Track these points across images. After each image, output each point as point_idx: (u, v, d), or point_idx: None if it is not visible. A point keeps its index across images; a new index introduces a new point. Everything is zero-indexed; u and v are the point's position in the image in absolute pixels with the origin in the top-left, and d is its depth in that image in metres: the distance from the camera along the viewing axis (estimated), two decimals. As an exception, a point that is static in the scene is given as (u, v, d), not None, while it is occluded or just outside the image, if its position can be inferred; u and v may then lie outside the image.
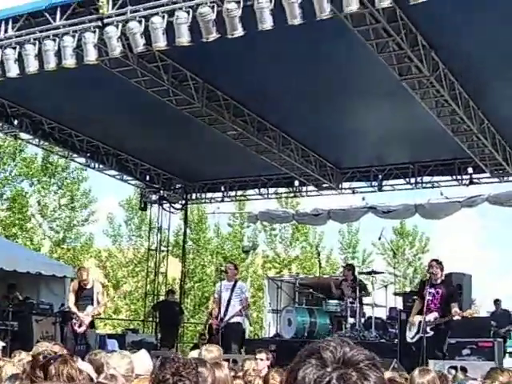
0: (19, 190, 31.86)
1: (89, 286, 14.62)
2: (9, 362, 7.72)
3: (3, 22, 11.96)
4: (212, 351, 7.42)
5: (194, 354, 7.93)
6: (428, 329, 12.66)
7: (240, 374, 7.66)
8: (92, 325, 14.76)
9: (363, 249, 40.61)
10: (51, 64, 11.51)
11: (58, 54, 11.46)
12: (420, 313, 13.04)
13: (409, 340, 13.20)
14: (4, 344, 10.50)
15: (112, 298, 26.61)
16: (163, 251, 24.28)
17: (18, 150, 31.39)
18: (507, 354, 18.43)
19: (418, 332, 12.89)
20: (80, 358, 9.42)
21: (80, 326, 14.43)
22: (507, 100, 14.89)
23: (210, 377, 4.86)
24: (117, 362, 5.90)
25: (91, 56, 11.25)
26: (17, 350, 10.10)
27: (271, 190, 22.63)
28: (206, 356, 7.39)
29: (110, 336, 20.69)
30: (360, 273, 17.84)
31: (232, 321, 14.95)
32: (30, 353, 8.23)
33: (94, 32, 11.14)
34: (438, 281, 13.07)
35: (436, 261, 13.52)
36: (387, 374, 7.27)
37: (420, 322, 12.89)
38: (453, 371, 11.17)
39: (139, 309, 32.28)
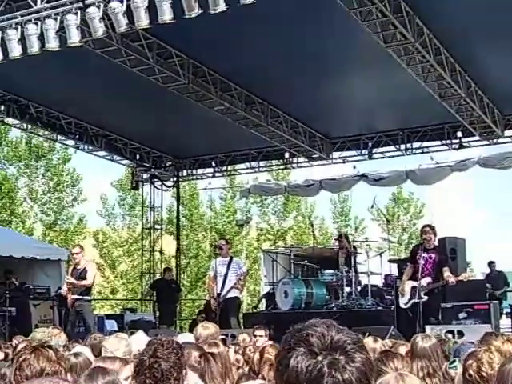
0: (4, 175, 31.73)
1: (80, 266, 14.48)
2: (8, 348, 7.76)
3: (-17, 8, 11.87)
4: (208, 328, 7.45)
5: (186, 335, 7.95)
6: (422, 294, 12.70)
7: (237, 348, 7.70)
8: (80, 299, 14.42)
9: (355, 216, 40.72)
10: (34, 48, 11.43)
11: (41, 38, 11.38)
12: (411, 278, 13.08)
13: (402, 306, 13.23)
14: None
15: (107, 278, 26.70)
16: (157, 229, 24.29)
17: (2, 134, 31.20)
18: (503, 316, 18.56)
19: (411, 298, 12.93)
20: (80, 340, 9.53)
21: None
22: (494, 63, 14.89)
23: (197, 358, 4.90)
24: (114, 344, 5.92)
25: (74, 38, 11.16)
26: (17, 336, 10.20)
27: (262, 163, 22.67)
28: (202, 333, 7.42)
29: (109, 316, 20.74)
30: (354, 241, 17.86)
31: (229, 296, 14.98)
32: (28, 338, 8.28)
33: (76, 13, 11.04)
34: (431, 246, 13.10)
35: (429, 226, 13.52)
36: (381, 344, 7.32)
37: (412, 287, 12.92)
38: (450, 336, 11.23)
39: (136, 288, 32.34)
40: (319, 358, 1.99)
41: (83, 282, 14.41)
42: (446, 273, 12.74)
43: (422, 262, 12.83)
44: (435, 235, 13.26)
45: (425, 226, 13.59)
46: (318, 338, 2.02)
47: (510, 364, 2.64)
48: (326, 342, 2.02)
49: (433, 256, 12.93)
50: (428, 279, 12.84)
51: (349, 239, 17.77)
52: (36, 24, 11.39)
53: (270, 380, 4.54)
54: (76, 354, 6.03)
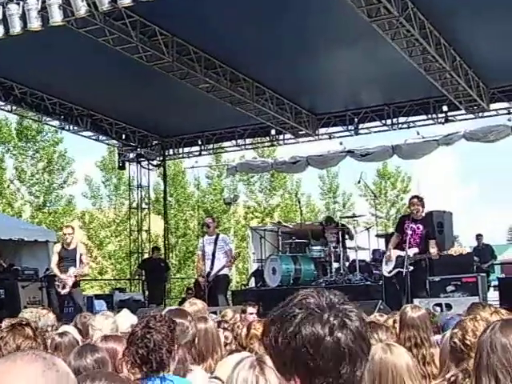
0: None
1: (71, 247, 14.29)
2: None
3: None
4: (195, 304, 7.43)
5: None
6: (408, 264, 12.64)
7: (226, 325, 7.71)
8: (75, 285, 14.26)
9: (343, 192, 40.81)
10: (16, 28, 11.38)
11: (23, 18, 11.31)
12: (397, 248, 13.06)
13: (386, 274, 13.21)
14: None
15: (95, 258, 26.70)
16: (144, 209, 24.26)
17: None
18: (491, 288, 18.68)
19: (395, 266, 12.91)
20: (69, 321, 9.52)
21: (63, 287, 14.20)
22: (478, 36, 14.88)
23: (191, 327, 4.91)
24: (101, 322, 5.94)
25: (57, 17, 11.11)
26: (6, 318, 10.16)
27: (248, 141, 22.64)
28: (188, 309, 7.42)
29: (98, 297, 20.74)
30: (341, 217, 17.85)
31: (219, 274, 15.01)
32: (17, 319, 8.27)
33: (58, -8, 10.99)
34: (419, 217, 13.04)
35: (417, 197, 13.44)
36: (371, 316, 7.35)
37: (398, 256, 12.88)
38: (438, 308, 11.29)
39: (125, 268, 32.34)
40: (321, 318, 2.06)
41: (86, 269, 14.83)
42: (432, 245, 12.72)
43: (409, 232, 12.78)
44: (423, 206, 13.15)
45: (413, 198, 13.46)
46: (315, 302, 2.09)
47: (485, 334, 2.69)
48: (324, 303, 2.09)
49: (420, 227, 12.86)
50: (415, 250, 12.78)
51: (335, 221, 17.73)
52: (18, 4, 11.32)
53: (256, 353, 4.55)
54: (61, 334, 6.03)
